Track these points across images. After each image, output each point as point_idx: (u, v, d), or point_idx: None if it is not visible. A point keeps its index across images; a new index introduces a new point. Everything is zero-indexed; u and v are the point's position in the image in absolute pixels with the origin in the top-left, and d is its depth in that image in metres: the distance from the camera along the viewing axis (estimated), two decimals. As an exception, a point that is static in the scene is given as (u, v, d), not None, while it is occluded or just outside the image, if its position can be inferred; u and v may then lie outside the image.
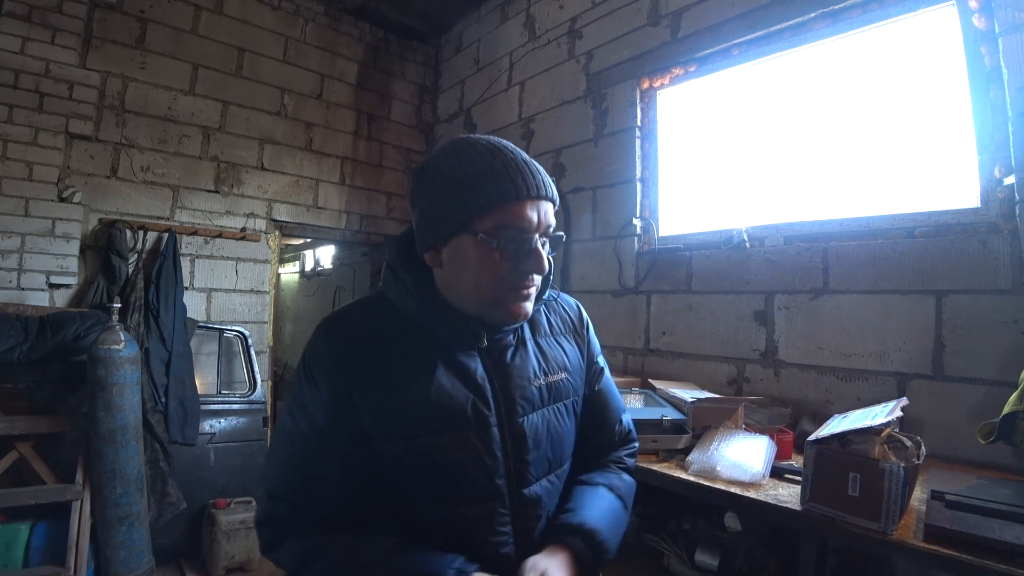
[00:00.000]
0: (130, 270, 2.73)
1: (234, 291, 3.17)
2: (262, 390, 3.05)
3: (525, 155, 0.76)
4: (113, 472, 2.18)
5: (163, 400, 2.60)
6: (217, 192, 3.12)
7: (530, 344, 0.85)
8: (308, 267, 6.93)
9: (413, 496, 0.77)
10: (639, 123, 2.54)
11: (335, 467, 0.76)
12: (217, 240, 3.09)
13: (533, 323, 0.88)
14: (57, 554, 2.10)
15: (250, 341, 3.09)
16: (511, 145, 0.77)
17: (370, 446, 0.75)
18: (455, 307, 0.79)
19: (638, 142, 2.53)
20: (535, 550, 0.77)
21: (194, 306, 2.95)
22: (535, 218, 0.73)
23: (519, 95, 3.24)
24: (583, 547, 0.78)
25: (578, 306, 0.99)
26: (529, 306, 0.78)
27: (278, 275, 3.67)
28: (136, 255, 2.78)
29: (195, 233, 2.99)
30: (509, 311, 0.76)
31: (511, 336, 0.83)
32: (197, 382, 2.81)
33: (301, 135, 3.45)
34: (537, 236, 0.74)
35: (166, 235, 2.86)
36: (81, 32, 2.66)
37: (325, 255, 6.48)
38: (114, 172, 2.79)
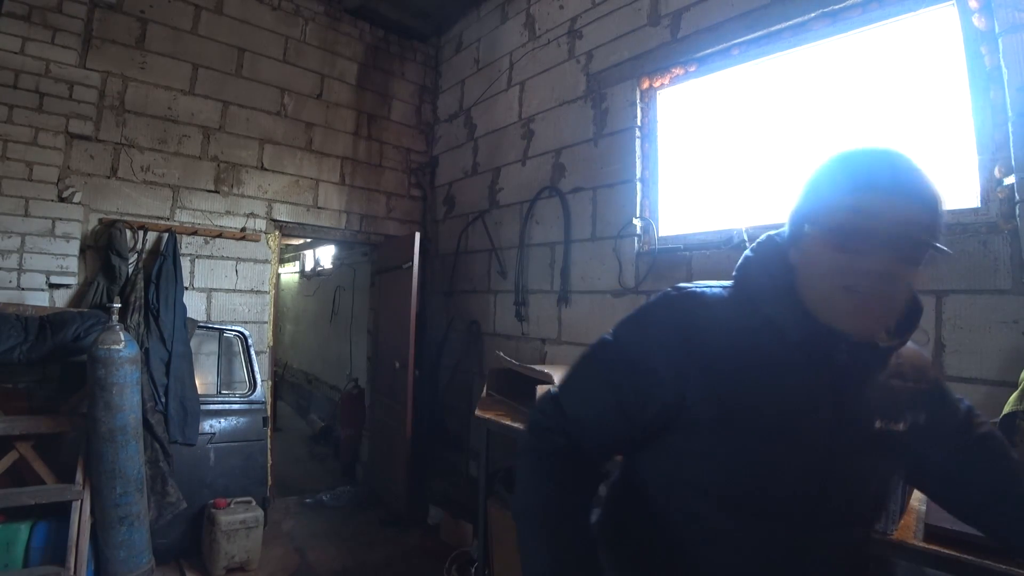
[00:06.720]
0: (130, 270, 2.72)
1: (234, 291, 3.17)
2: (262, 390, 3.05)
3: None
4: (113, 472, 2.18)
5: (163, 400, 2.61)
6: (217, 192, 3.12)
7: (885, 377, 0.75)
8: (308, 267, 6.93)
9: (702, 491, 0.73)
10: (639, 123, 2.54)
11: (621, 419, 0.77)
12: (217, 240, 3.09)
13: (892, 356, 0.76)
14: (57, 554, 2.10)
15: (250, 341, 3.09)
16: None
17: (667, 419, 0.73)
18: (812, 313, 0.70)
19: (638, 142, 2.53)
20: None
21: (194, 306, 2.95)
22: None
23: (519, 95, 3.24)
24: None
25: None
26: (875, 325, 0.69)
27: (278, 275, 3.68)
28: (136, 255, 2.78)
29: (195, 233, 2.99)
30: (850, 323, 0.68)
31: (874, 359, 0.73)
32: (197, 382, 2.81)
33: (301, 135, 3.45)
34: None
35: (166, 235, 2.86)
36: (81, 32, 2.66)
37: (325, 255, 6.48)
38: (114, 172, 2.79)
